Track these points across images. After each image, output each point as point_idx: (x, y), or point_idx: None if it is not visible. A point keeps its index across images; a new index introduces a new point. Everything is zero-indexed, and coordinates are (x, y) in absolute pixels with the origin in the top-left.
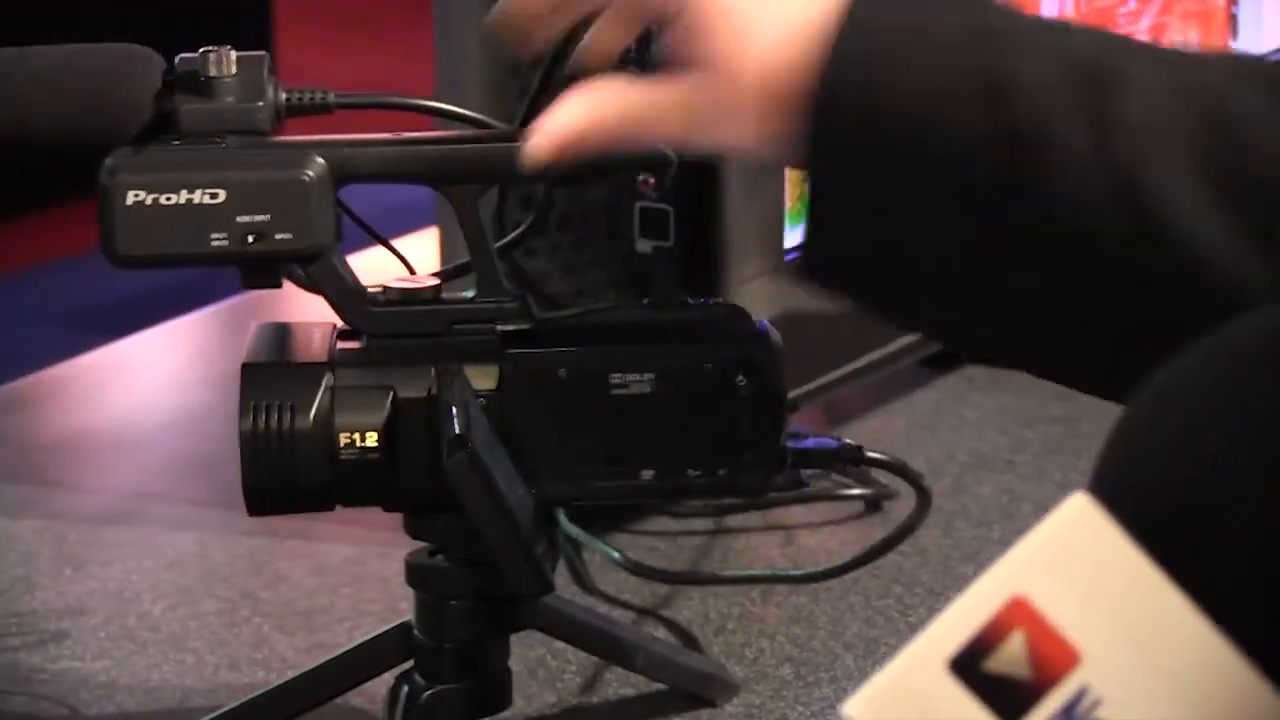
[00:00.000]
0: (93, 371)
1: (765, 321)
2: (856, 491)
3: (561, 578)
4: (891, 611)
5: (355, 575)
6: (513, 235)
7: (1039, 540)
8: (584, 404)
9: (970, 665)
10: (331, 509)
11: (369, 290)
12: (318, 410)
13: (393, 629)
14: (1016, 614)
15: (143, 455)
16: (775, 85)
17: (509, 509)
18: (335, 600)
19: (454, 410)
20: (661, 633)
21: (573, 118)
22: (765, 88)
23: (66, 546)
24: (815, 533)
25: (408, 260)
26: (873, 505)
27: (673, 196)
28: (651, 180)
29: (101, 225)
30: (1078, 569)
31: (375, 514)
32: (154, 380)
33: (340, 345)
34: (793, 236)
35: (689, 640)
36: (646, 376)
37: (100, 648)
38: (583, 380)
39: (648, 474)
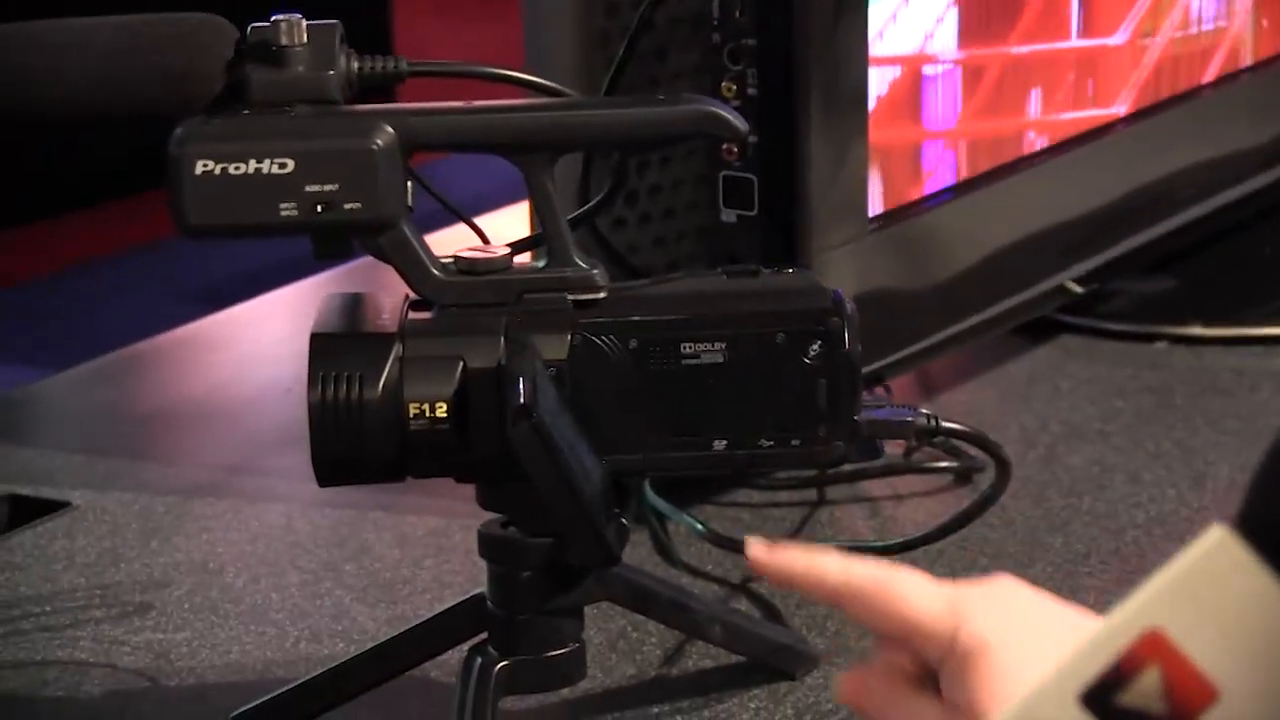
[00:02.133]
0: (185, 345)
1: (839, 290)
2: (945, 464)
3: (644, 550)
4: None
5: (439, 547)
6: (588, 206)
7: (1176, 573)
8: (655, 374)
9: (1102, 699)
10: (401, 480)
11: (441, 260)
12: (386, 380)
13: (466, 601)
14: (1152, 648)
15: (230, 429)
16: None
17: (573, 479)
18: (418, 572)
19: (520, 380)
20: (744, 605)
21: (814, 566)
22: None
23: (153, 519)
24: (902, 505)
25: (482, 230)
26: (962, 478)
27: (757, 165)
28: (735, 148)
29: (170, 195)
30: (1216, 603)
31: (460, 486)
32: (245, 353)
33: (410, 316)
34: (875, 203)
35: (771, 613)
36: (718, 346)
37: (183, 619)
38: (653, 350)
39: (719, 445)
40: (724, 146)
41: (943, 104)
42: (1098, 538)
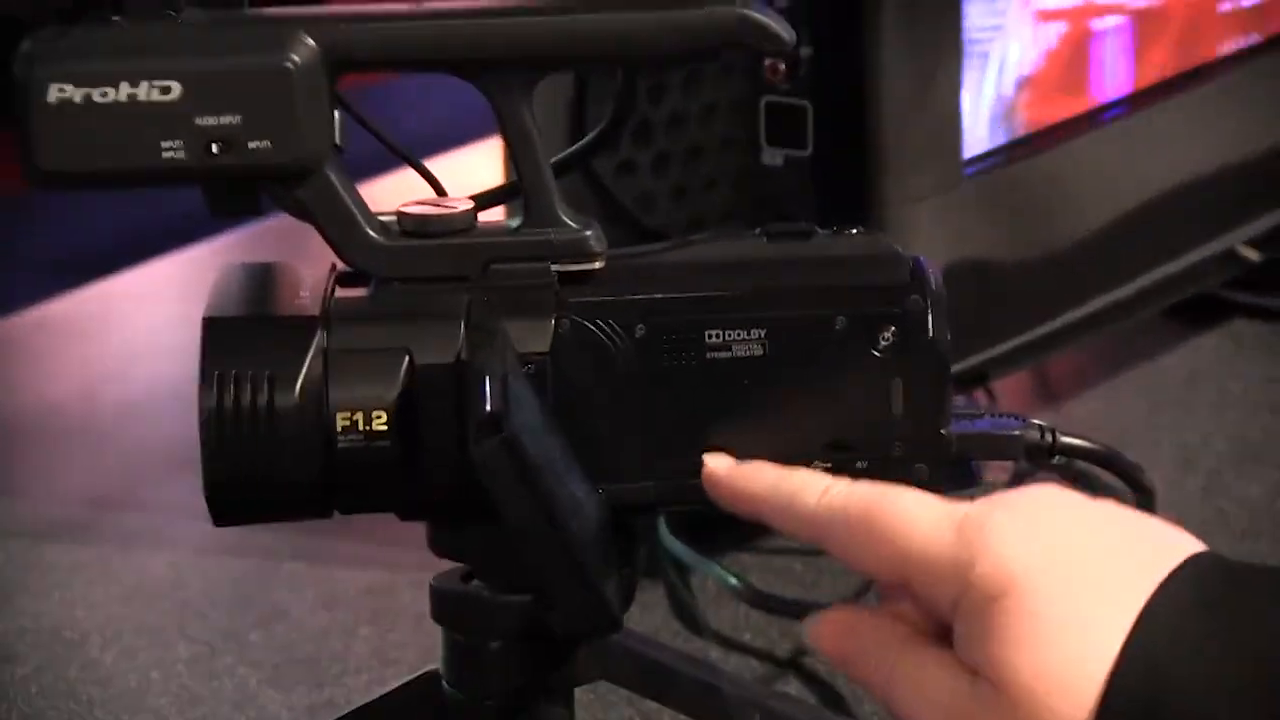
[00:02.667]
0: (42, 331)
1: (922, 259)
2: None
3: (660, 614)
4: None
5: (378, 610)
6: (579, 145)
7: None
8: (669, 372)
9: None
10: (326, 515)
11: (380, 219)
12: (306, 381)
13: (413, 680)
14: None
15: (100, 447)
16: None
17: (558, 515)
18: (350, 644)
19: (486, 380)
20: (796, 688)
21: (785, 484)
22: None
23: None
24: None
25: (435, 178)
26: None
27: (811, 89)
28: (781, 67)
29: (20, 133)
30: None
31: (407, 528)
32: (124, 343)
33: (340, 293)
34: (972, 143)
35: (832, 698)
36: (755, 334)
37: (30, 708)
38: (667, 339)
39: None
40: (766, 63)
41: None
42: None
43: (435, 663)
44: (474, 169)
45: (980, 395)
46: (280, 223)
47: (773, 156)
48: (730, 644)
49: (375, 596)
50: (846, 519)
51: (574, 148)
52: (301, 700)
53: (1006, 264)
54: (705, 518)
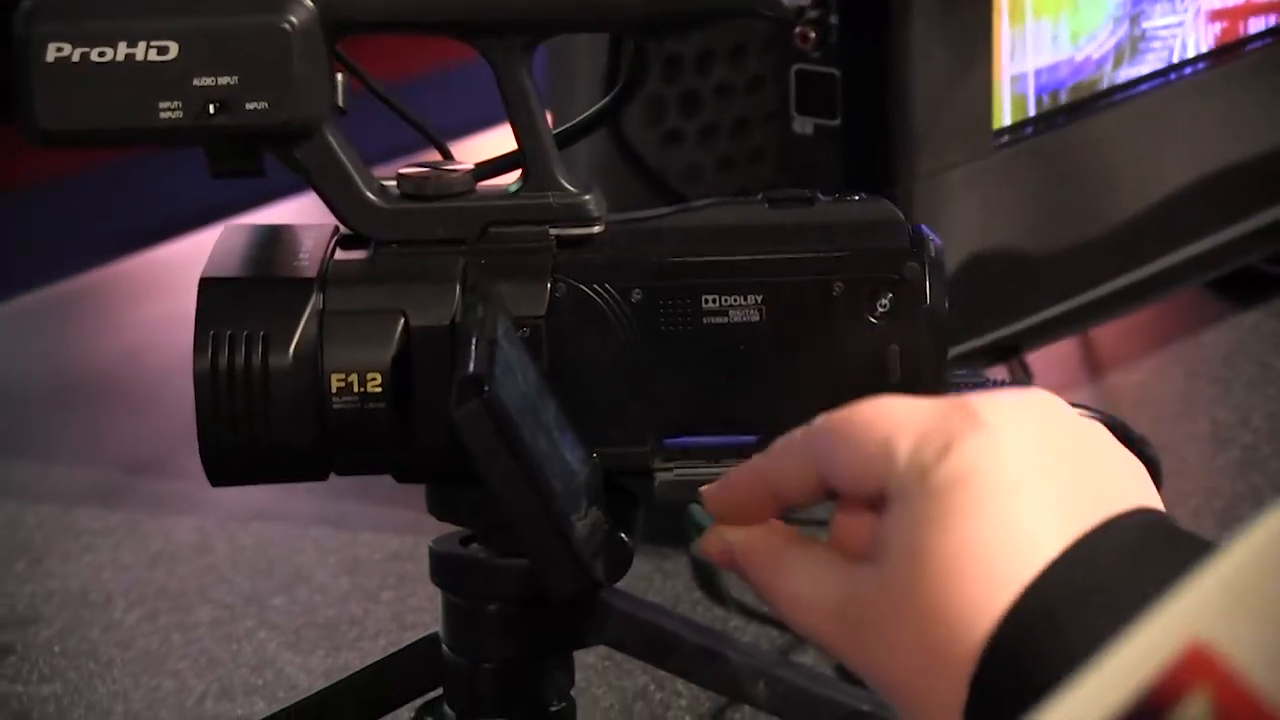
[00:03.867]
0: (90, 298)
1: (922, 225)
2: None
3: (684, 581)
4: None
5: (401, 576)
6: (588, 114)
7: (1229, 567)
8: (666, 337)
9: None
10: (323, 478)
11: (381, 182)
12: (300, 342)
13: (414, 645)
14: (1195, 668)
15: (139, 413)
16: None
17: (541, 479)
18: (371, 609)
19: (473, 342)
20: (812, 658)
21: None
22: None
23: (19, 534)
24: None
25: (441, 141)
26: None
27: (841, 57)
28: (811, 34)
29: (17, 91)
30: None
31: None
32: (168, 310)
33: (339, 256)
34: (1005, 112)
35: (844, 668)
36: (752, 299)
37: (51, 667)
38: (665, 304)
39: (749, 436)
40: (796, 30)
41: None
42: None
43: None
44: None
45: (1014, 367)
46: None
47: (803, 125)
48: (751, 614)
49: (398, 561)
50: (829, 425)
51: (580, 119)
52: (319, 664)
53: (1040, 234)
54: None
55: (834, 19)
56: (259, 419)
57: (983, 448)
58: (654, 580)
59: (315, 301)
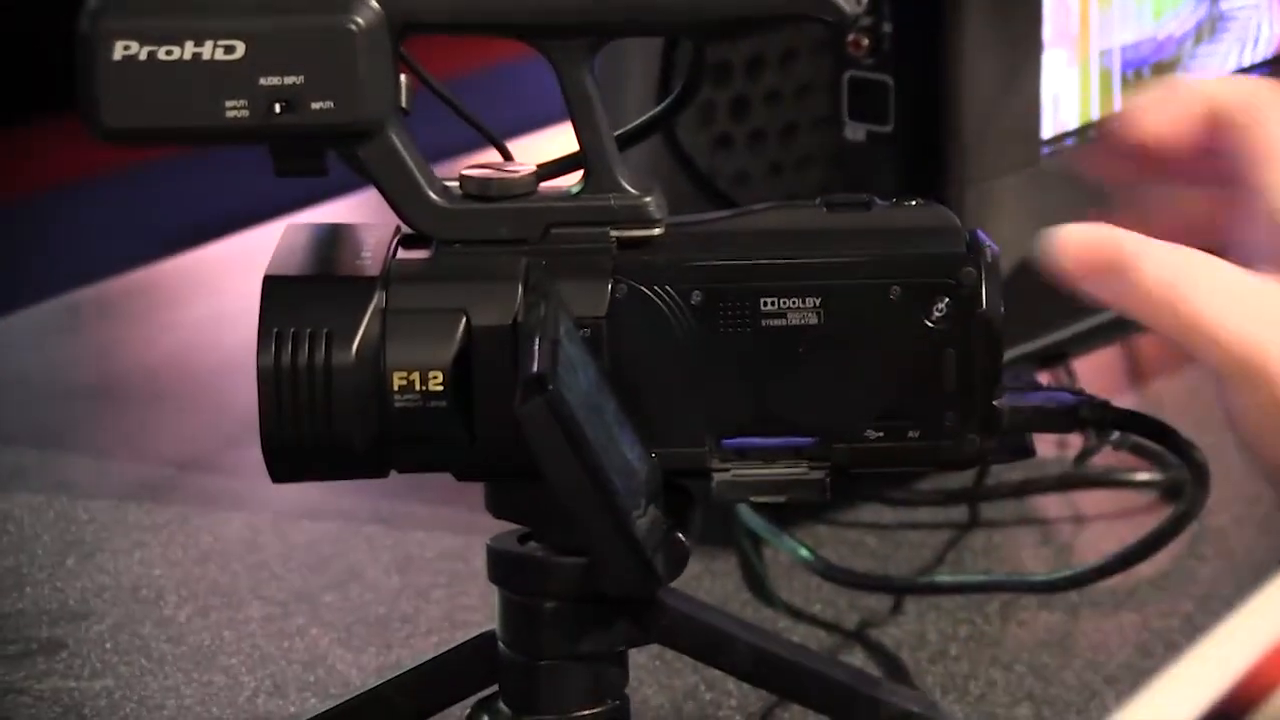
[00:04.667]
0: (142, 296)
1: (980, 231)
2: (1144, 476)
3: (734, 581)
4: (1176, 635)
5: (454, 574)
6: (646, 118)
7: None
8: (725, 339)
9: None
10: (383, 475)
11: (444, 183)
12: (363, 340)
13: (470, 641)
14: None
15: (188, 410)
16: None
17: (603, 477)
18: (423, 607)
19: (535, 341)
20: (860, 659)
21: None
22: None
23: (72, 530)
24: (1085, 530)
25: (502, 143)
26: (1171, 493)
27: (894, 64)
28: (864, 41)
29: (81, 88)
30: None
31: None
32: (219, 308)
33: (400, 255)
34: (1052, 122)
35: (896, 668)
36: (810, 302)
37: (103, 662)
38: (724, 306)
39: (806, 438)
40: (850, 37)
41: None
42: None
43: None
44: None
45: (1059, 374)
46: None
47: (855, 131)
48: (799, 615)
49: (450, 560)
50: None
51: (638, 122)
52: (371, 661)
53: None
54: None
55: (887, 26)
56: (321, 416)
57: None
58: (703, 580)
59: (378, 300)
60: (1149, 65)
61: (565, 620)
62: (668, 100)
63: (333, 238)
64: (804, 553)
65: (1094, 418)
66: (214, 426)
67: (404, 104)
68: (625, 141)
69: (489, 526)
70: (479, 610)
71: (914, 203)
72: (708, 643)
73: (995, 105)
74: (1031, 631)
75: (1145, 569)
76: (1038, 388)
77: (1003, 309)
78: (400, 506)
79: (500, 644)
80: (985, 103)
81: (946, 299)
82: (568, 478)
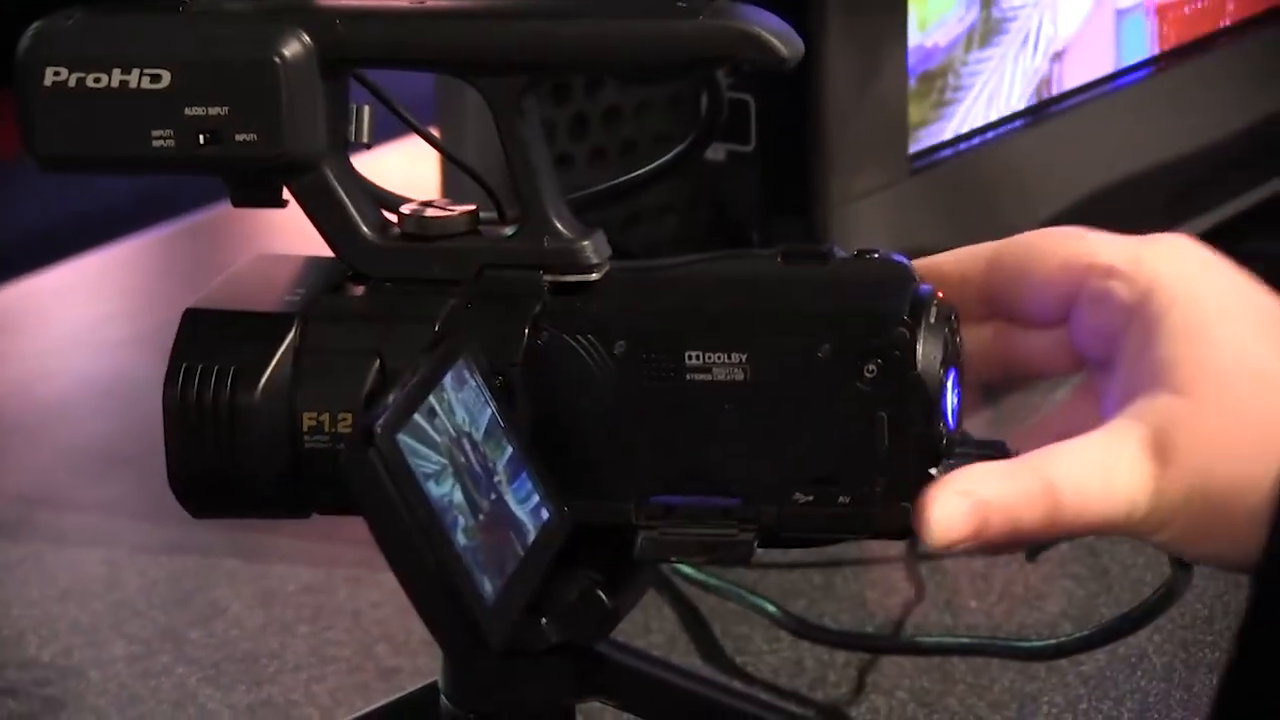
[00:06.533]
0: None
1: (928, 287)
2: None
3: (681, 643)
4: (1173, 699)
5: (317, 608)
6: (670, 157)
7: None
8: (649, 392)
9: None
10: (305, 515)
11: (386, 219)
12: (270, 379)
13: (413, 693)
14: None
15: (33, 444)
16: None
17: (430, 532)
18: (290, 642)
19: (401, 386)
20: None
21: (980, 513)
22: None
23: None
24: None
25: (496, 196)
26: None
27: (754, 83)
28: None
29: (18, 113)
30: None
31: (347, 525)
32: (55, 339)
33: (331, 293)
34: (919, 136)
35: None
36: (736, 358)
37: None
38: (647, 357)
39: (733, 498)
40: None
41: None
42: None
43: (374, 661)
44: None
45: None
46: (212, 216)
47: (715, 151)
48: (750, 678)
49: (313, 594)
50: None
51: (666, 157)
52: (241, 699)
53: None
54: None
55: None
56: (226, 454)
57: (1176, 284)
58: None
59: (291, 338)
60: (916, 75)
61: (509, 673)
62: (690, 139)
63: (283, 272)
64: (766, 604)
65: None
66: (61, 460)
67: (357, 137)
68: (650, 180)
69: (350, 559)
70: (346, 645)
71: (874, 255)
72: (645, 698)
73: (859, 121)
74: (1012, 693)
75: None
76: (1002, 454)
77: (944, 370)
78: (260, 539)
79: (443, 697)
80: (848, 119)
81: (878, 359)
82: (387, 532)
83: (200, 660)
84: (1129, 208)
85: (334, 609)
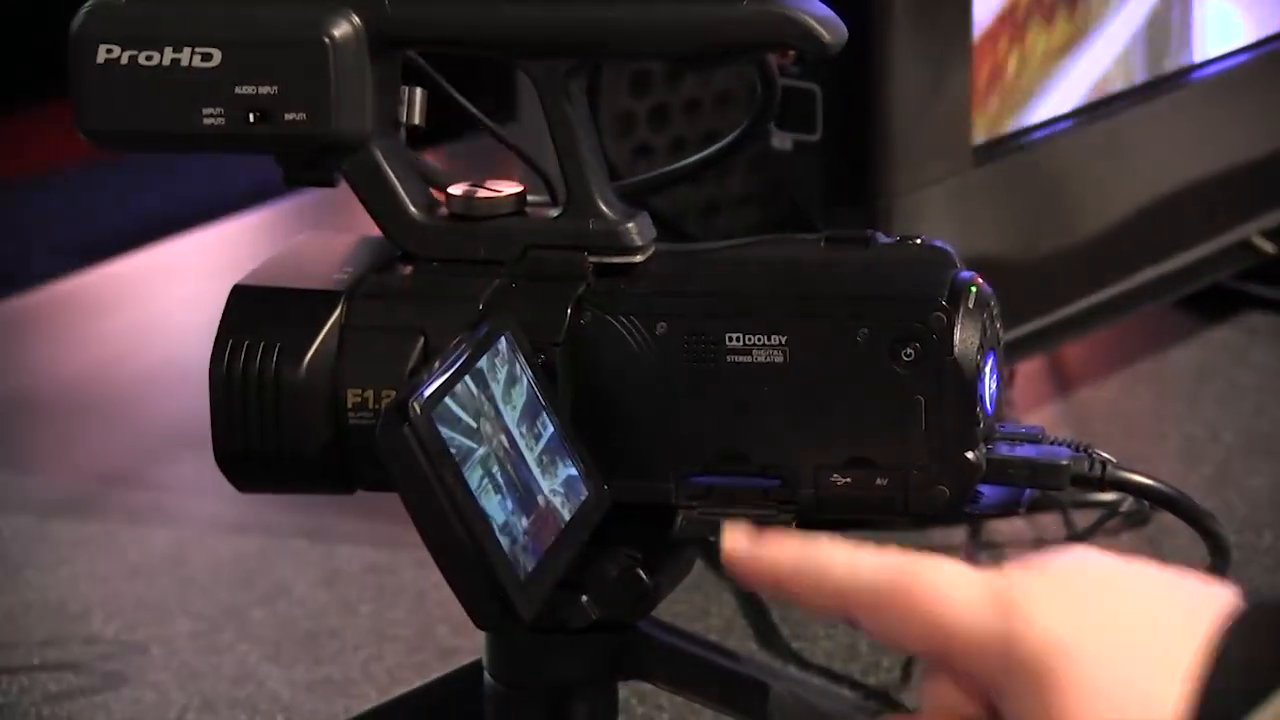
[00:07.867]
0: (61, 309)
1: (969, 273)
2: (1107, 496)
3: (738, 627)
4: None
5: (380, 588)
6: (725, 143)
7: None
8: (690, 373)
9: None
10: (349, 491)
11: (434, 199)
12: (315, 356)
13: (457, 671)
14: None
15: (110, 424)
16: None
17: (463, 509)
18: (350, 621)
19: (440, 362)
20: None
21: (810, 559)
22: None
23: None
24: None
25: (549, 177)
26: (1134, 519)
27: (820, 73)
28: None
29: (71, 89)
30: None
31: None
32: (139, 320)
33: (381, 273)
34: (981, 128)
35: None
36: (776, 340)
37: (30, 680)
38: (688, 339)
39: (771, 479)
40: None
41: None
42: None
43: (434, 641)
44: None
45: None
46: (316, 198)
47: (782, 141)
48: (805, 663)
49: (376, 573)
50: (876, 594)
51: (721, 143)
52: (301, 677)
53: (1016, 250)
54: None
55: None
56: (270, 429)
57: (1057, 627)
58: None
59: (337, 315)
60: None
61: (552, 650)
62: (742, 126)
63: (331, 250)
64: None
65: (1091, 477)
66: (137, 440)
67: (409, 119)
68: (703, 167)
69: (414, 540)
70: (407, 624)
71: (917, 241)
72: (685, 676)
73: (924, 113)
74: None
75: None
76: (1037, 440)
77: (978, 356)
78: (325, 520)
79: (487, 673)
80: (913, 111)
81: (916, 344)
82: (420, 506)
83: (262, 638)
84: (1196, 208)
85: (397, 589)
